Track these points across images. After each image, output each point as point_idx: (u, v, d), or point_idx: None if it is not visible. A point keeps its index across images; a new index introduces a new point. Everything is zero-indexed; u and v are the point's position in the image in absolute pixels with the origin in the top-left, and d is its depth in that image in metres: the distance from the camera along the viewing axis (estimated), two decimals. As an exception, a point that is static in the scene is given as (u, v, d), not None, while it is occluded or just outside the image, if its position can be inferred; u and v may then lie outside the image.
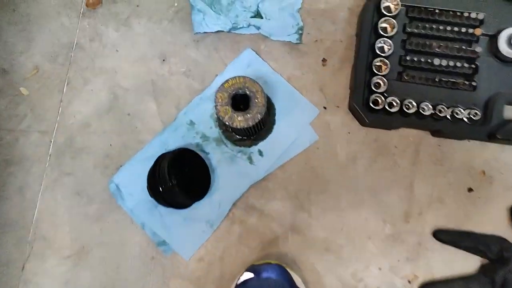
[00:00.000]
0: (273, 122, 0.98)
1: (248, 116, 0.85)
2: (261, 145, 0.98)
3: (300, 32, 1.02)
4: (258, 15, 1.08)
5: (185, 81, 1.09)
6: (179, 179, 0.87)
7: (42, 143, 1.09)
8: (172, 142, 1.04)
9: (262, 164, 0.97)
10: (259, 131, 0.91)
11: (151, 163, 0.92)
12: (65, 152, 1.08)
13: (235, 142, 1.03)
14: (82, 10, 1.17)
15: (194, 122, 1.04)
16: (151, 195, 0.93)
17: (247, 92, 0.85)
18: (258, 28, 1.06)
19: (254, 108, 0.85)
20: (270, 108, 1.02)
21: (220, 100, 0.85)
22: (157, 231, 0.94)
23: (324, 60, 1.02)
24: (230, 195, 0.97)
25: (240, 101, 0.88)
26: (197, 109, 1.06)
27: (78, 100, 1.11)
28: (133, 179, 0.97)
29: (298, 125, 0.97)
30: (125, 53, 1.12)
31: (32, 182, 1.07)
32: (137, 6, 1.15)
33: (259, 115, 0.85)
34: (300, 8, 1.10)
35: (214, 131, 1.04)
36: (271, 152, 0.97)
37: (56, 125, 1.10)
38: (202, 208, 0.96)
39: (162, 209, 1.01)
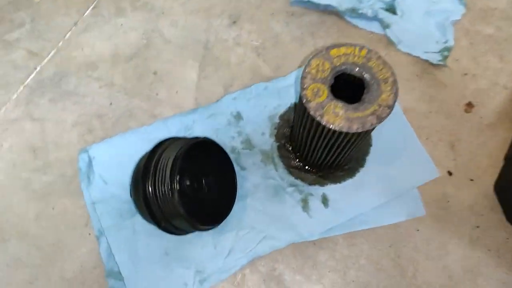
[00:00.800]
0: (360, 163, 0.69)
1: (358, 115, 0.45)
2: (330, 189, 0.69)
3: (445, 53, 0.69)
4: (391, 9, 0.73)
5: (252, 59, 0.79)
6: (186, 185, 0.58)
7: (23, 66, 0.82)
8: (199, 129, 0.70)
9: (322, 219, 0.67)
10: (340, 159, 0.63)
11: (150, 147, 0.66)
12: (46, 90, 0.79)
13: (291, 170, 0.65)
14: None
15: (242, 116, 0.69)
16: (132, 196, 0.67)
17: (365, 76, 0.46)
18: (386, 26, 0.74)
19: (371, 103, 0.46)
20: (364, 143, 0.63)
21: (314, 70, 0.46)
22: (116, 254, 0.67)
23: (469, 105, 0.74)
24: (252, 245, 0.66)
25: (346, 86, 0.49)
26: (255, 100, 0.74)
27: (97, 31, 0.84)
28: (117, 161, 0.71)
29: (399, 183, 0.69)
30: None
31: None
32: None
33: (375, 119, 0.45)
34: (456, 22, 0.73)
35: (266, 141, 0.72)
36: (342, 206, 0.68)
37: (54, 51, 0.80)
38: (200, 245, 0.67)
39: (140, 223, 0.60)
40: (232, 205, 0.64)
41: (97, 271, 0.67)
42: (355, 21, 0.77)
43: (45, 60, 0.80)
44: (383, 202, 0.66)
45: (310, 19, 0.80)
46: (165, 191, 0.57)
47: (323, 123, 0.46)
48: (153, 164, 0.60)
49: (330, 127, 0.47)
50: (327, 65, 0.49)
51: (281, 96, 0.73)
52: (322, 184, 0.68)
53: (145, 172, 0.61)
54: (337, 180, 0.68)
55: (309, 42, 0.78)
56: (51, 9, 0.84)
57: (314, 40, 0.78)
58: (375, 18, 0.75)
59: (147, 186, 0.60)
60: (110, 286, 0.65)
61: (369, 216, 0.66)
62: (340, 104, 0.47)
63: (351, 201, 0.66)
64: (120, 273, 0.66)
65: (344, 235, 0.66)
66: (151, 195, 0.59)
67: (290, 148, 0.69)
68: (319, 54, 0.50)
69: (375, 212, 0.66)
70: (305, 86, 0.48)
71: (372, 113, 0.47)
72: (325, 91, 0.47)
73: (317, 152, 0.58)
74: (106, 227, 0.67)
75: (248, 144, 0.70)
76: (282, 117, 0.72)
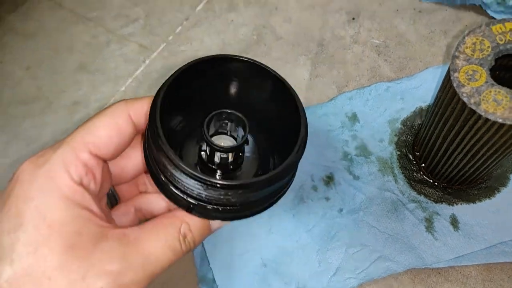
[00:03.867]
0: (502, 181, 0.58)
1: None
2: (462, 209, 0.59)
3: None
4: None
5: (372, 58, 0.72)
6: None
7: (133, 59, 0.82)
8: (309, 130, 0.60)
9: (451, 244, 0.57)
10: (481, 171, 0.52)
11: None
12: (152, 82, 0.79)
13: (414, 183, 0.56)
14: None
15: (359, 118, 0.62)
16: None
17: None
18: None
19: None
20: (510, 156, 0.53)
21: (469, 50, 0.38)
22: (211, 260, 0.62)
23: None
24: (364, 265, 0.57)
25: (509, 73, 0.39)
26: (374, 102, 0.67)
27: (207, 26, 0.83)
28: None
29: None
30: None
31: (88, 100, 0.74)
32: None
33: None
34: None
35: (385, 148, 0.62)
36: (476, 230, 0.57)
37: (163, 45, 0.78)
38: (303, 260, 0.60)
39: (237, 229, 0.62)
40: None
41: (189, 277, 0.63)
42: (502, 16, 0.66)
43: (154, 54, 0.80)
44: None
45: (443, 16, 0.71)
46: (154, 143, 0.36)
47: (480, 112, 0.38)
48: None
49: (489, 117, 0.37)
50: (487, 44, 0.40)
51: (404, 98, 0.64)
52: (451, 203, 0.57)
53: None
54: (470, 199, 0.57)
55: (440, 41, 0.69)
56: (166, 5, 0.85)
57: (446, 40, 0.69)
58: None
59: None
60: (201, 291, 0.61)
61: (512, 247, 0.54)
62: (503, 90, 0.38)
63: (489, 226, 0.55)
64: (214, 280, 0.61)
65: (478, 266, 0.55)
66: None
67: (413, 159, 0.60)
68: (477, 30, 0.41)
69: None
70: (457, 68, 0.39)
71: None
72: (483, 74, 0.38)
73: (453, 159, 0.48)
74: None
75: (364, 150, 0.63)
76: (404, 122, 0.63)
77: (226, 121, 0.41)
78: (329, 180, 0.63)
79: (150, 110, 0.36)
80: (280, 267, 0.60)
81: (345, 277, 0.56)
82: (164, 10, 0.86)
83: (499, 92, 0.39)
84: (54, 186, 0.33)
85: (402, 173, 0.60)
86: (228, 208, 0.36)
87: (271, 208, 0.41)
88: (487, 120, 0.38)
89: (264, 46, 0.76)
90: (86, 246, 0.32)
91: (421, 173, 0.59)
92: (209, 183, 0.33)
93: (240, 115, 0.39)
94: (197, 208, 0.36)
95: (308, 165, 0.64)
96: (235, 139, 0.42)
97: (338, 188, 0.62)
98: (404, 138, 0.62)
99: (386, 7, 0.74)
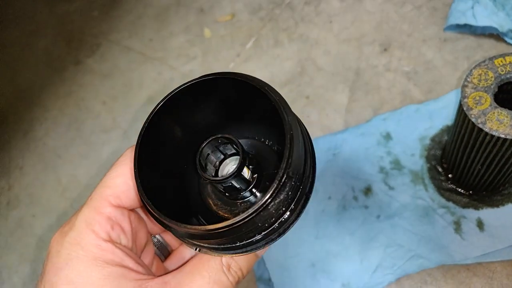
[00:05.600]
0: None
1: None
2: (487, 213, 0.66)
3: None
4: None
5: (403, 83, 0.81)
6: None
7: None
8: (348, 148, 0.73)
9: (477, 243, 0.64)
10: (499, 178, 0.59)
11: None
12: None
13: (443, 191, 0.64)
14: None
15: (392, 137, 0.71)
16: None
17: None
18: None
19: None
20: None
21: (476, 79, 0.48)
22: (268, 262, 0.71)
23: None
24: (400, 262, 0.65)
25: (509, 97, 0.48)
26: (406, 122, 0.76)
27: (257, 60, 0.96)
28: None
29: None
30: (339, 28, 0.91)
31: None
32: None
33: None
34: None
35: (416, 162, 0.71)
36: (500, 231, 0.64)
37: None
38: (347, 259, 0.69)
39: (291, 233, 0.63)
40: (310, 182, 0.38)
41: (248, 276, 0.73)
42: (519, 43, 0.75)
43: (212, 87, 0.92)
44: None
45: (466, 43, 0.80)
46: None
47: (486, 129, 0.47)
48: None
49: (494, 134, 0.46)
50: (491, 74, 0.49)
51: (432, 118, 0.73)
52: (477, 208, 0.65)
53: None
54: (494, 204, 0.65)
55: (463, 66, 0.78)
56: (219, 44, 0.98)
57: (469, 65, 0.78)
58: (540, 39, 0.72)
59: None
60: (259, 290, 0.70)
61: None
62: (504, 112, 0.47)
63: (511, 227, 0.63)
64: (270, 279, 0.70)
65: (503, 262, 0.62)
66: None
67: (441, 170, 0.69)
68: (482, 64, 0.50)
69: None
70: (466, 95, 0.49)
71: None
72: (487, 99, 0.48)
73: (473, 169, 0.57)
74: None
75: (397, 164, 0.72)
76: (433, 139, 0.72)
77: (220, 146, 0.37)
78: (367, 191, 0.72)
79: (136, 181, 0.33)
80: (327, 266, 0.70)
81: (384, 273, 0.65)
82: (218, 49, 0.98)
83: (501, 113, 0.47)
84: (81, 250, 0.32)
85: (432, 183, 0.69)
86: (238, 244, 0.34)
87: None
88: (492, 136, 0.47)
89: (307, 76, 0.87)
90: None
91: (449, 182, 0.68)
92: (186, 228, 0.31)
93: (229, 136, 0.36)
94: (203, 250, 0.35)
95: (349, 179, 0.73)
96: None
97: (375, 198, 0.71)
98: (433, 152, 0.71)
99: (414, 38, 0.83)
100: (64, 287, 0.31)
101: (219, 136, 0.36)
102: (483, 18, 0.75)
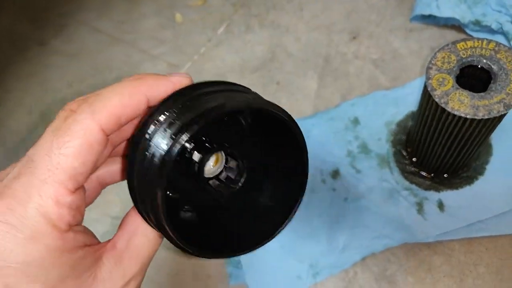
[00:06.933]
0: (479, 171, 0.69)
1: (485, 102, 0.47)
2: (447, 195, 0.70)
3: None
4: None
5: (370, 71, 0.84)
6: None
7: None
8: (317, 132, 0.74)
9: (437, 223, 0.68)
10: (459, 161, 0.63)
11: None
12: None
13: (406, 174, 0.67)
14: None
15: (360, 121, 0.73)
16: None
17: (493, 67, 0.48)
18: None
19: (498, 92, 0.48)
20: (484, 151, 0.64)
21: (439, 62, 0.50)
22: None
23: None
24: (366, 242, 0.68)
25: (472, 78, 0.51)
26: (373, 106, 0.78)
27: (228, 46, 0.96)
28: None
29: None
30: (310, 15, 0.93)
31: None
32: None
33: (502, 107, 0.48)
34: None
35: (382, 146, 0.73)
36: (458, 212, 0.68)
37: (189, 64, 0.90)
38: (315, 240, 0.71)
39: None
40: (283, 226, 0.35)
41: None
42: (477, 35, 0.79)
43: (182, 70, 0.92)
44: (506, 211, 0.65)
45: (430, 34, 0.83)
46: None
47: (448, 109, 0.49)
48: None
49: (455, 113, 0.49)
50: (453, 57, 0.52)
51: (398, 104, 0.76)
52: (438, 190, 0.69)
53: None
54: (453, 186, 0.68)
55: (428, 55, 0.81)
56: (190, 28, 0.98)
57: (433, 54, 0.81)
58: (499, 31, 0.76)
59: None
60: (229, 272, 0.71)
61: (489, 224, 0.65)
62: (465, 92, 0.50)
63: (469, 208, 0.67)
64: (239, 261, 0.72)
65: (460, 241, 0.66)
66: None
67: (406, 154, 0.72)
68: (446, 48, 0.53)
69: (496, 220, 0.65)
70: (430, 76, 0.51)
71: (499, 101, 0.49)
72: (450, 81, 0.50)
73: (435, 151, 0.60)
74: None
75: (365, 148, 0.74)
76: (399, 124, 0.75)
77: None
78: (335, 174, 0.74)
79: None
80: (295, 248, 0.71)
81: (351, 253, 0.68)
82: (189, 34, 0.98)
83: (462, 94, 0.50)
84: (43, 248, 0.28)
85: (397, 166, 0.72)
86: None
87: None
88: (454, 116, 0.50)
89: (277, 62, 0.88)
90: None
91: (413, 166, 0.71)
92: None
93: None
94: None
95: (318, 162, 0.76)
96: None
97: (343, 180, 0.74)
98: (399, 137, 0.74)
99: (382, 27, 0.86)
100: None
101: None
102: (446, 9, 0.79)
